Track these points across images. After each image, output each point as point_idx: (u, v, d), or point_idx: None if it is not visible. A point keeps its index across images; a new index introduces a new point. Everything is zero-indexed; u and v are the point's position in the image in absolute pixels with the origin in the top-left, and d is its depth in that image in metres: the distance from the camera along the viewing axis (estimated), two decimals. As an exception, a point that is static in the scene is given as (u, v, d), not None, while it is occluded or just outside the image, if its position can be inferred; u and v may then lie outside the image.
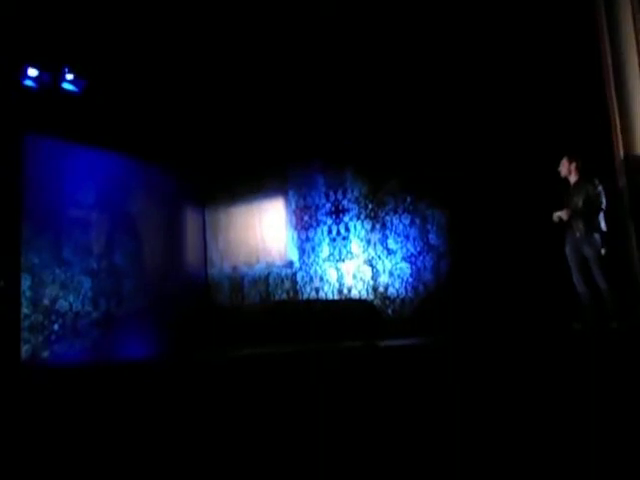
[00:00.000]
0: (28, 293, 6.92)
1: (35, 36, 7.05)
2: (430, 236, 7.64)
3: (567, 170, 5.62)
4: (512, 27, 6.74)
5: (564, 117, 6.33)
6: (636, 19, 5.60)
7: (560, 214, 5.44)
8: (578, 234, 5.38)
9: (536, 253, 6.34)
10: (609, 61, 5.79)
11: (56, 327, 7.16)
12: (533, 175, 6.37)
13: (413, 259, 7.73)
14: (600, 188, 5.38)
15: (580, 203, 5.39)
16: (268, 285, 8.87)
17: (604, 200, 5.36)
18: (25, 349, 6.77)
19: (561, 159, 5.69)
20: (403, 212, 7.87)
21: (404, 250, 7.79)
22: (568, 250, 5.51)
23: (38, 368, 6.51)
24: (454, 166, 7.26)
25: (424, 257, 7.64)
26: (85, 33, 7.30)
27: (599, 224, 5.33)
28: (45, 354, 6.98)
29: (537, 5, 6.53)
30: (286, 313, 8.42)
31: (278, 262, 8.83)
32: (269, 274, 8.89)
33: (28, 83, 7.19)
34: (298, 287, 8.59)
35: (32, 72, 7.17)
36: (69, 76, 7.51)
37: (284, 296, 8.69)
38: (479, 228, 7.04)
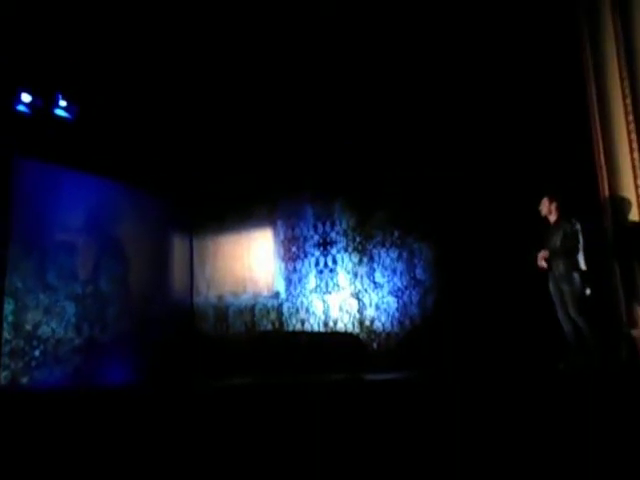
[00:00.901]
0: (10, 318, 6.83)
1: (30, 62, 7.14)
2: (417, 270, 7.67)
3: (547, 209, 5.71)
4: (495, 61, 6.91)
5: (550, 155, 6.44)
6: (620, 58, 5.75)
7: (540, 254, 5.51)
8: (557, 273, 5.44)
9: (523, 290, 6.37)
10: (594, 99, 5.93)
11: (37, 353, 7.05)
12: (519, 213, 6.44)
13: (400, 293, 7.74)
14: (577, 227, 5.45)
15: (558, 242, 5.46)
16: (254, 315, 8.82)
17: (581, 239, 5.41)
18: (4, 375, 6.64)
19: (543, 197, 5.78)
20: (391, 246, 7.91)
21: (391, 284, 7.82)
22: (551, 288, 5.56)
23: (16, 394, 6.37)
24: (441, 202, 7.36)
25: (410, 291, 7.66)
26: (79, 61, 7.41)
27: (577, 263, 5.38)
28: (24, 380, 6.85)
29: (525, 37, 6.66)
30: (271, 344, 8.36)
31: (265, 292, 8.81)
32: (255, 304, 8.85)
33: (21, 108, 7.24)
34: (284, 318, 8.55)
35: (26, 97, 7.24)
36: (62, 102, 7.59)
37: (269, 327, 8.64)
38: (466, 264, 7.09)
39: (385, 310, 7.81)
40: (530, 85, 6.68)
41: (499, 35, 6.76)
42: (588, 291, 5.42)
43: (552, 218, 5.69)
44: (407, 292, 7.68)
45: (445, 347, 6.78)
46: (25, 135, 7.22)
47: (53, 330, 7.29)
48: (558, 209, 5.63)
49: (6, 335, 6.74)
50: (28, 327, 7.03)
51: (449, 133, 7.33)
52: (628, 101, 5.63)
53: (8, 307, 6.80)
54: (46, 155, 7.43)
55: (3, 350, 6.66)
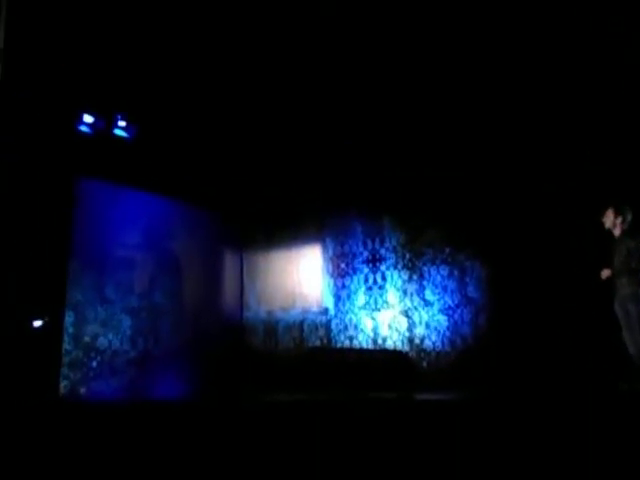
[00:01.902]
0: (70, 329, 7.10)
1: (91, 84, 7.48)
2: (469, 288, 7.54)
3: (612, 222, 5.44)
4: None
5: (613, 167, 6.22)
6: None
7: (603, 272, 5.29)
8: (622, 292, 5.21)
9: (583, 309, 6.15)
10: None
11: (94, 364, 7.29)
12: (580, 226, 6.22)
13: (451, 312, 7.62)
14: None
15: (621, 259, 5.23)
16: (302, 331, 8.86)
17: None
18: (64, 385, 6.89)
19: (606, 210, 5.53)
20: (441, 263, 7.82)
21: (441, 302, 7.71)
22: (616, 307, 5.32)
23: (76, 404, 6.59)
24: (494, 218, 7.23)
25: (462, 310, 7.53)
26: (138, 83, 7.71)
27: None
28: (82, 390, 7.08)
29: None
30: (319, 360, 8.35)
31: (314, 308, 8.84)
32: (304, 320, 8.89)
33: (83, 129, 7.58)
34: (332, 335, 8.55)
35: (88, 118, 7.57)
36: (121, 123, 7.90)
37: (318, 343, 8.65)
38: (520, 281, 6.92)
39: (435, 328, 7.69)
40: (600, 95, 6.50)
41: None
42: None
43: (616, 232, 5.43)
44: (458, 310, 7.56)
45: (498, 367, 6.61)
46: (86, 154, 7.55)
47: (110, 342, 7.54)
48: (622, 223, 5.37)
49: (66, 346, 7.01)
50: (87, 339, 7.29)
51: (503, 148, 7.22)
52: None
53: (68, 319, 7.08)
54: (105, 174, 7.73)
55: (63, 361, 6.92)
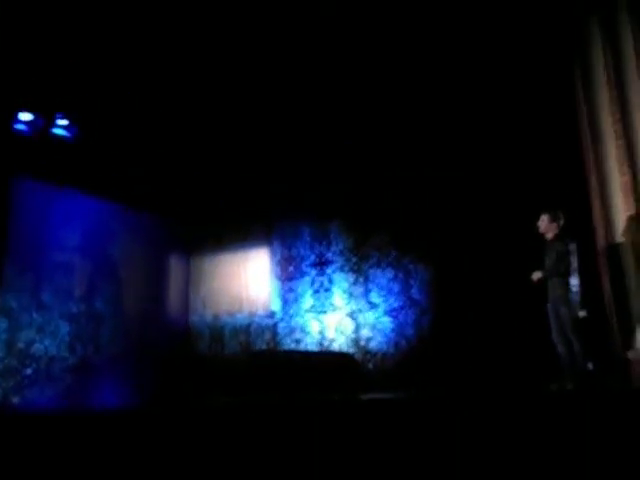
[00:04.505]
0: (4, 336, 6.81)
1: (30, 82, 7.21)
2: (413, 291, 7.68)
3: (545, 227, 5.60)
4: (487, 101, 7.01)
5: (544, 176, 6.48)
6: (611, 84, 5.84)
7: (534, 275, 5.46)
8: (554, 294, 5.40)
9: (518, 310, 6.36)
10: (585, 124, 6.04)
11: (29, 371, 7.02)
12: (516, 232, 6.42)
13: (395, 313, 7.74)
14: (570, 247, 5.39)
15: (551, 262, 5.42)
16: (249, 335, 8.79)
17: (575, 260, 5.37)
18: (-5, 393, 6.61)
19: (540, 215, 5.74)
20: (387, 266, 7.93)
21: (386, 304, 7.81)
22: (549, 309, 5.51)
23: (7, 413, 6.31)
24: (438, 222, 7.40)
25: (406, 312, 7.66)
26: (80, 81, 7.48)
27: (571, 284, 5.34)
28: (15, 399, 6.80)
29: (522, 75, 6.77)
30: (266, 363, 8.31)
31: (260, 312, 8.79)
32: (250, 324, 8.83)
33: (20, 127, 7.29)
34: (279, 338, 8.53)
35: (25, 116, 7.29)
36: (62, 122, 7.64)
37: (264, 346, 8.60)
38: (462, 284, 7.11)
39: (381, 330, 7.79)
40: (529, 108, 6.75)
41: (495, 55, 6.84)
42: (583, 313, 5.38)
43: (548, 236, 5.63)
44: (403, 312, 7.68)
45: (440, 367, 6.75)
46: (23, 154, 7.27)
47: (46, 348, 7.27)
48: (556, 228, 5.56)
49: (-1, 353, 6.72)
50: (21, 345, 7.00)
51: (443, 153, 7.40)
52: (618, 127, 5.72)
53: (1, 325, 6.79)
54: (44, 174, 7.47)
55: (-5, 368, 6.64)
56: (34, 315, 7.20)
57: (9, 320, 6.89)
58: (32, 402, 6.91)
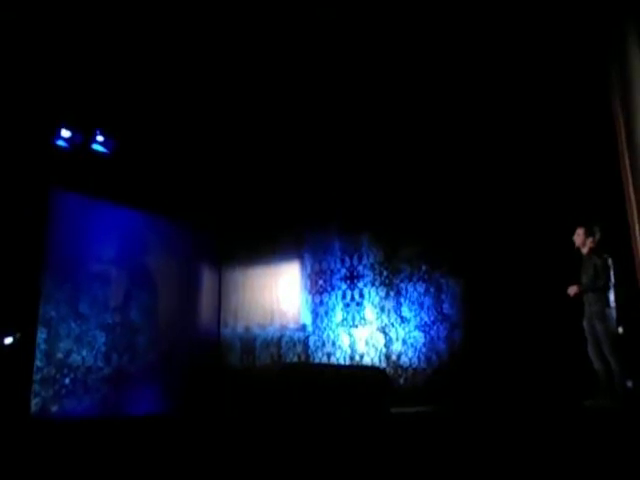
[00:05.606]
0: (43, 346, 6.98)
1: (70, 98, 7.46)
2: (444, 305, 7.61)
3: (581, 241, 5.53)
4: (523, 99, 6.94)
5: (582, 189, 6.36)
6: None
7: (570, 289, 5.36)
8: (591, 309, 5.29)
9: (553, 326, 6.25)
10: (623, 133, 5.87)
11: (67, 381, 7.17)
12: (551, 246, 6.33)
13: (427, 328, 7.67)
14: (609, 262, 5.30)
15: (588, 277, 5.32)
16: (280, 348, 8.82)
17: (612, 276, 5.27)
18: (35, 402, 6.76)
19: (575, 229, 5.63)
20: (418, 280, 7.88)
21: (418, 319, 7.76)
22: (585, 325, 5.40)
23: (47, 421, 6.47)
24: (471, 236, 7.34)
25: (438, 326, 7.59)
26: (118, 99, 7.71)
27: (609, 300, 5.23)
28: (54, 408, 6.95)
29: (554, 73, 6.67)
30: (297, 376, 8.31)
31: (291, 325, 8.82)
32: (281, 337, 8.86)
33: (60, 143, 7.54)
34: (310, 351, 8.53)
35: (65, 133, 7.54)
36: (100, 138, 7.88)
37: (295, 359, 8.62)
38: (494, 299, 7.01)
39: (412, 345, 7.73)
40: (565, 117, 6.64)
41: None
42: (621, 329, 5.27)
43: (584, 250, 5.53)
44: (434, 327, 7.61)
45: (472, 383, 6.66)
46: (62, 168, 7.49)
47: (83, 359, 7.42)
48: (592, 242, 5.46)
49: (38, 363, 6.88)
50: (60, 355, 7.17)
51: (476, 166, 7.36)
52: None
53: (41, 335, 6.96)
54: (82, 188, 7.68)
55: (35, 377, 6.79)
56: (72, 325, 7.37)
57: (48, 330, 7.07)
58: (70, 411, 7.05)
